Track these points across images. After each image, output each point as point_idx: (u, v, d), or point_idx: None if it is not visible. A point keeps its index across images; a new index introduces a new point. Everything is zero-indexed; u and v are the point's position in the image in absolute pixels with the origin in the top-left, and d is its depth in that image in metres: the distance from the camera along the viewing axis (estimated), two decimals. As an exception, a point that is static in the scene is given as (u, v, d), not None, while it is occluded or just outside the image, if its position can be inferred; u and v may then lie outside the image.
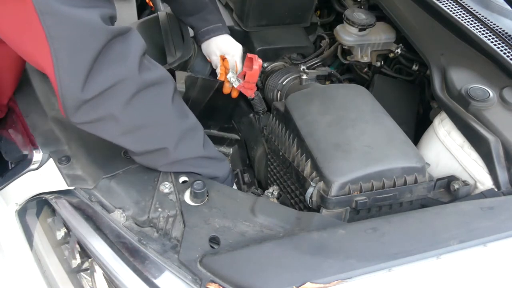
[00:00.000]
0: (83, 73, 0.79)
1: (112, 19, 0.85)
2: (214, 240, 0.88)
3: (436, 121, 1.28)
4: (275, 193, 1.22)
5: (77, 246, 0.93)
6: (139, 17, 1.89)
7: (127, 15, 1.84)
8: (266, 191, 1.23)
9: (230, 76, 1.35)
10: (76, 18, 0.77)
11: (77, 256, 0.94)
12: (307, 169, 1.09)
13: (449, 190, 1.17)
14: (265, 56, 1.57)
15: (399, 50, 1.57)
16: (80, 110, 0.83)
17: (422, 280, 0.84)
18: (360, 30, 1.54)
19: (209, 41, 1.39)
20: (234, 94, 1.40)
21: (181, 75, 1.32)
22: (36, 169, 1.04)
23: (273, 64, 1.58)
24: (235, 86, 1.36)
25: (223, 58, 1.38)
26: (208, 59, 1.44)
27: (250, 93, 1.39)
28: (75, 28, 0.77)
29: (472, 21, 1.39)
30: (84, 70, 0.79)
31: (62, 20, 0.76)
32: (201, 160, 1.01)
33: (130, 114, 0.87)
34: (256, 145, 1.43)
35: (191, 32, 1.48)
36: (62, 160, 1.02)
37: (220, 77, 1.39)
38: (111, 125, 0.88)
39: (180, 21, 1.47)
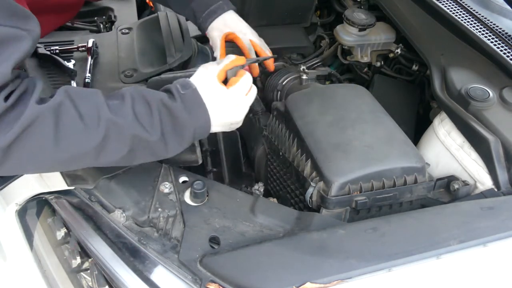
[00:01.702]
0: None
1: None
2: (214, 240, 0.88)
3: (436, 121, 1.28)
4: (261, 189, 1.22)
5: (77, 246, 0.94)
6: (139, 17, 1.89)
7: (127, 15, 1.84)
8: (253, 188, 1.23)
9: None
10: None
11: (77, 256, 0.94)
12: (307, 169, 1.09)
13: (449, 190, 1.17)
14: (265, 56, 1.57)
15: (399, 50, 1.57)
16: None
17: (422, 280, 0.84)
18: (360, 30, 1.54)
19: (214, 22, 1.25)
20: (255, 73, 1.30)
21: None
22: (36, 169, 1.03)
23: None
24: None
25: (227, 36, 1.27)
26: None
27: (256, 72, 1.30)
28: None
29: (472, 21, 1.39)
30: None
31: None
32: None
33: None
34: (256, 145, 1.43)
35: (191, 33, 1.48)
36: (62, 160, 1.02)
37: (220, 57, 1.27)
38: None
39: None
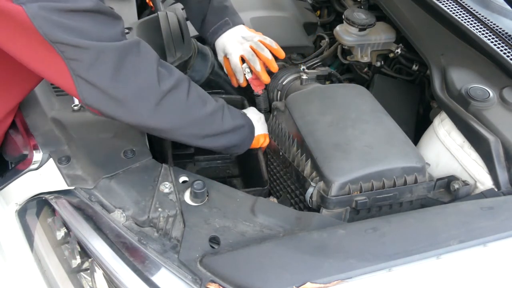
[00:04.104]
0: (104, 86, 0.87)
1: (123, 32, 0.91)
2: (214, 240, 0.88)
3: (436, 121, 1.28)
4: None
5: (77, 246, 0.93)
6: (139, 17, 1.88)
7: (127, 15, 1.84)
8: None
9: (245, 67, 1.34)
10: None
11: (77, 256, 0.94)
12: (307, 169, 1.09)
13: (449, 190, 1.17)
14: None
15: (399, 50, 1.57)
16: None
17: (422, 280, 0.84)
18: (360, 30, 1.54)
19: (216, 44, 1.38)
20: (244, 84, 1.38)
21: None
22: (36, 169, 1.04)
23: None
24: (247, 77, 1.35)
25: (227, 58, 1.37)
26: None
27: (258, 88, 1.39)
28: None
29: (472, 21, 1.39)
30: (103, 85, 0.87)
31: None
32: (225, 135, 1.11)
33: (156, 120, 0.95)
34: (256, 145, 1.43)
35: (191, 33, 1.48)
36: (62, 160, 1.02)
37: (228, 73, 1.40)
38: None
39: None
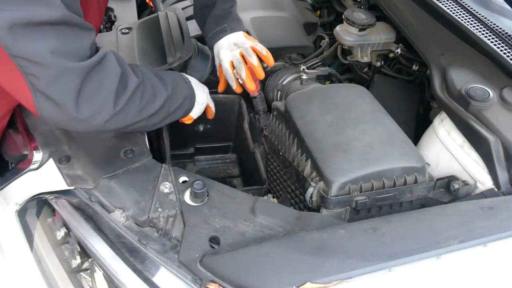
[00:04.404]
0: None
1: (92, 45, 0.88)
2: (214, 240, 0.88)
3: (436, 121, 1.28)
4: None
5: (77, 246, 0.93)
6: (139, 17, 1.89)
7: (127, 15, 1.84)
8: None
9: (236, 72, 1.34)
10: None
11: (77, 256, 0.94)
12: (307, 169, 1.09)
13: (449, 190, 1.17)
14: (265, 56, 1.57)
15: (399, 50, 1.57)
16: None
17: (422, 280, 0.84)
18: (360, 30, 1.54)
19: (213, 48, 1.40)
20: (238, 90, 1.39)
21: None
22: (36, 169, 1.04)
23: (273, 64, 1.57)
24: (240, 82, 1.34)
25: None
26: None
27: (253, 90, 1.39)
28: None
29: (472, 21, 1.39)
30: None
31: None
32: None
33: (112, 126, 0.94)
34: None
35: (191, 33, 1.48)
36: (62, 160, 1.02)
37: (220, 79, 1.41)
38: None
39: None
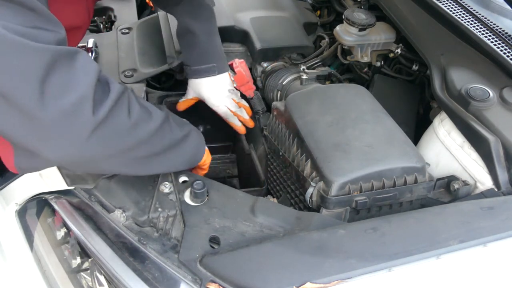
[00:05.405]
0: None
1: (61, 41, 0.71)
2: (214, 240, 0.88)
3: (436, 121, 1.28)
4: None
5: (77, 246, 0.93)
6: (139, 17, 1.89)
7: (127, 15, 1.84)
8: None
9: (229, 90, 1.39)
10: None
11: (77, 256, 0.94)
12: (307, 169, 1.09)
13: (449, 190, 1.17)
14: (265, 56, 1.57)
15: (399, 50, 1.57)
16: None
17: (422, 280, 0.84)
18: (360, 30, 1.54)
19: (190, 80, 1.37)
20: (243, 131, 1.44)
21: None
22: (36, 169, 1.03)
23: (273, 64, 1.58)
24: (234, 85, 1.39)
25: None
26: None
27: (249, 92, 1.41)
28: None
29: (472, 21, 1.39)
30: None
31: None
32: (177, 147, 0.96)
33: (89, 151, 0.75)
34: (256, 145, 1.43)
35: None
36: (62, 160, 1.02)
37: (177, 107, 1.43)
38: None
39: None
